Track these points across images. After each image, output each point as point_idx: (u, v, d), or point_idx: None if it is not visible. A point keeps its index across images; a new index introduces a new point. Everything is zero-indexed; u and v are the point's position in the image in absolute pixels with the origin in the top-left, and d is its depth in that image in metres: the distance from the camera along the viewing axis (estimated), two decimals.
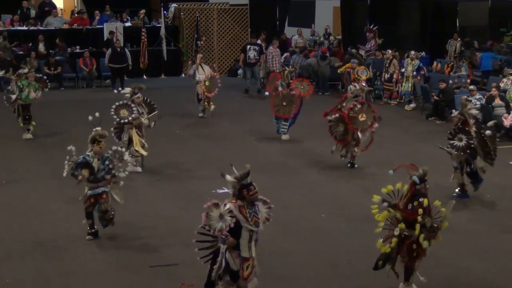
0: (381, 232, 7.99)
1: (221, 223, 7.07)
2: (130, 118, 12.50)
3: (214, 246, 7.43)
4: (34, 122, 15.49)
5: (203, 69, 17.50)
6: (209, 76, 17.34)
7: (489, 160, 11.39)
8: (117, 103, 12.63)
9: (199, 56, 18.18)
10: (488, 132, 11.46)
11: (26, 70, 15.67)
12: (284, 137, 15.48)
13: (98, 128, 9.67)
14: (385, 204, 7.89)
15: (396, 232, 7.81)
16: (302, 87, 15.43)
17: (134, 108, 12.57)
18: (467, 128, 11.35)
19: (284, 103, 15.19)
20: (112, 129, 12.38)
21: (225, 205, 7.21)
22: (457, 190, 11.61)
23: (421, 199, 7.67)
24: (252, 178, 12.62)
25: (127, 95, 12.91)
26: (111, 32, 22.59)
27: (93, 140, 9.55)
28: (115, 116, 12.47)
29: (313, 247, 9.62)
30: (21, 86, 15.11)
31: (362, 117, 12.94)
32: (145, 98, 12.98)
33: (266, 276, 8.63)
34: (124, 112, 12.51)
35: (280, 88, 15.54)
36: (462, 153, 11.30)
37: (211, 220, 7.13)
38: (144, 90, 13.10)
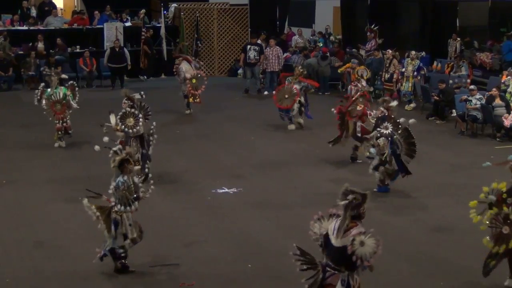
0: (486, 230, 8.19)
1: (367, 250, 6.53)
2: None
3: (317, 275, 6.85)
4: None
5: (185, 68, 17.61)
6: (196, 74, 17.51)
7: (412, 153, 11.62)
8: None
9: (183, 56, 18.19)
10: (412, 121, 11.74)
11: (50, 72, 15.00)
12: (290, 127, 16.29)
13: (117, 148, 8.79)
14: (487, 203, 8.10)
15: (506, 231, 7.96)
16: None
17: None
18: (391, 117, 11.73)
19: (286, 96, 16.06)
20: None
21: (364, 233, 6.60)
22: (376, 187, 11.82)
23: None
24: (253, 177, 12.71)
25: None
26: (147, 31, 23.13)
27: (122, 162, 8.46)
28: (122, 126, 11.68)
29: (312, 247, 9.58)
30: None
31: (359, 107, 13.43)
32: (142, 104, 12.16)
33: (266, 276, 8.65)
34: (130, 121, 11.78)
35: (287, 83, 16.51)
36: (388, 139, 11.54)
37: (354, 247, 6.53)
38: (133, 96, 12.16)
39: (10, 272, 8.71)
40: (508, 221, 8.02)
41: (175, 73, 18.21)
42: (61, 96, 14.29)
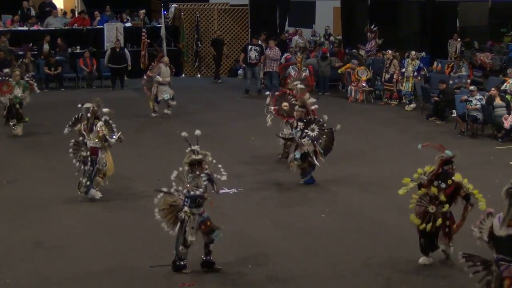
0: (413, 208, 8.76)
1: None
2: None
3: (492, 273, 6.99)
4: (27, 119, 15.50)
5: (162, 71, 17.53)
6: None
7: (323, 155, 12.05)
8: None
9: (166, 59, 18.09)
10: (338, 127, 12.07)
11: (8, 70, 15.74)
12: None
13: (196, 147, 8.85)
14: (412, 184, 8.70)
15: (432, 210, 8.57)
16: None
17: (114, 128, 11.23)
18: (315, 118, 12.05)
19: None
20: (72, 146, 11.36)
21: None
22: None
23: (453, 178, 8.53)
24: (252, 177, 12.70)
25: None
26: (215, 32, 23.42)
27: (193, 163, 8.64)
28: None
29: (312, 246, 9.61)
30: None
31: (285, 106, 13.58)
32: (107, 119, 11.34)
33: (266, 276, 8.65)
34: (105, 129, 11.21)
35: (292, 72, 16.70)
36: (316, 142, 11.94)
37: None
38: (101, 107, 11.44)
39: (10, 272, 8.70)
40: (435, 201, 8.58)
41: (151, 68, 18.02)
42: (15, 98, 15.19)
